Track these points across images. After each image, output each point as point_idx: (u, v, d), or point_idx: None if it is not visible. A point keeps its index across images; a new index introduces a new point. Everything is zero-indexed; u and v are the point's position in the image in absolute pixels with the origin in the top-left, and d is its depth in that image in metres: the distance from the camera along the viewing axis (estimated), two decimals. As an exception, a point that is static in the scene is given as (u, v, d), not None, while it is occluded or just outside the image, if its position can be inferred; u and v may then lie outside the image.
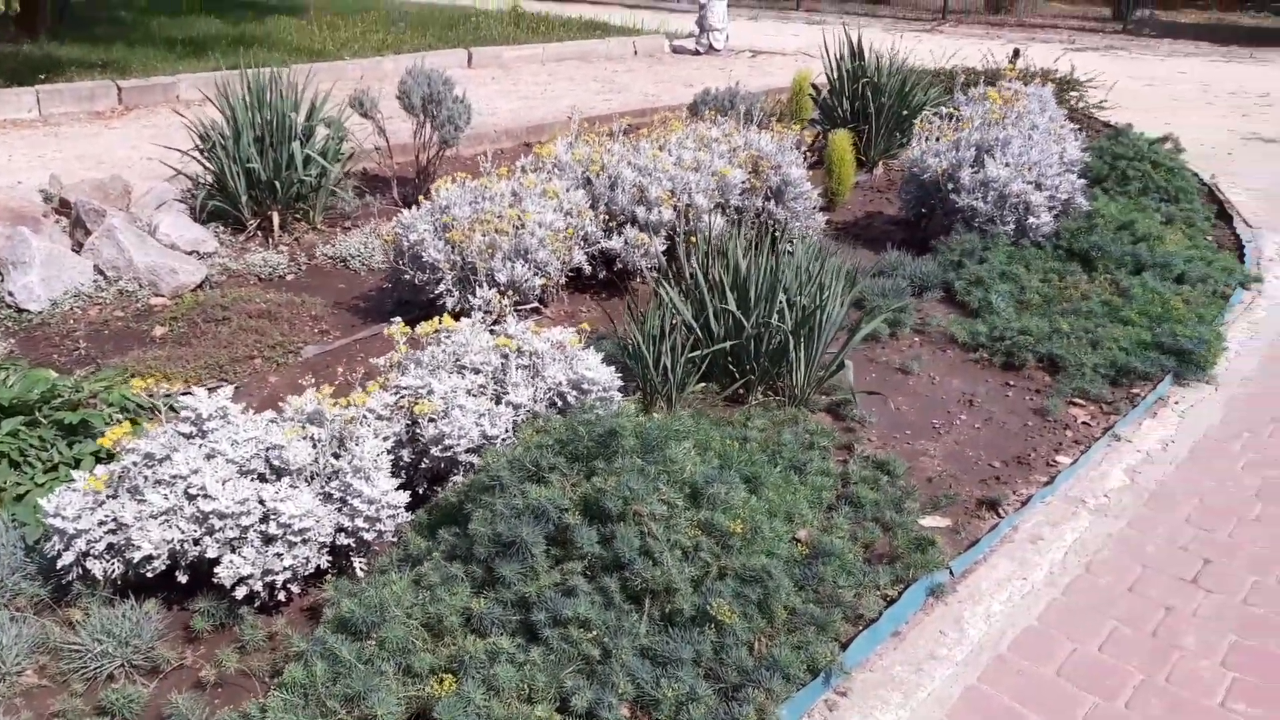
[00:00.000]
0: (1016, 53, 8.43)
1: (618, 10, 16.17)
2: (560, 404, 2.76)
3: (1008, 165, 4.58)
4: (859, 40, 6.51)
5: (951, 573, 2.49)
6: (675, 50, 11.81)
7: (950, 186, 4.66)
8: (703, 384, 3.38)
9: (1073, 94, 7.79)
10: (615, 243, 4.16)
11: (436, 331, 2.83)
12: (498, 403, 2.66)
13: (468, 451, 2.55)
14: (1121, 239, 4.58)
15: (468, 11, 13.30)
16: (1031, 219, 4.54)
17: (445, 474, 2.61)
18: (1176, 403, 3.42)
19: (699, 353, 3.30)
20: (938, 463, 3.06)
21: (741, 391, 3.37)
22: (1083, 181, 4.89)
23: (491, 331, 2.96)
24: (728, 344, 3.34)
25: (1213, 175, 6.26)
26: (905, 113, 6.29)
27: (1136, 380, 3.52)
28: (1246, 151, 7.29)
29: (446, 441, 2.51)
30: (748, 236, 3.44)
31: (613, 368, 2.92)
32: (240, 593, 2.25)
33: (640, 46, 11.56)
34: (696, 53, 11.56)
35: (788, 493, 2.62)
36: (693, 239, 4.25)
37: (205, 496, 2.26)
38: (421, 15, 12.92)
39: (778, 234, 4.69)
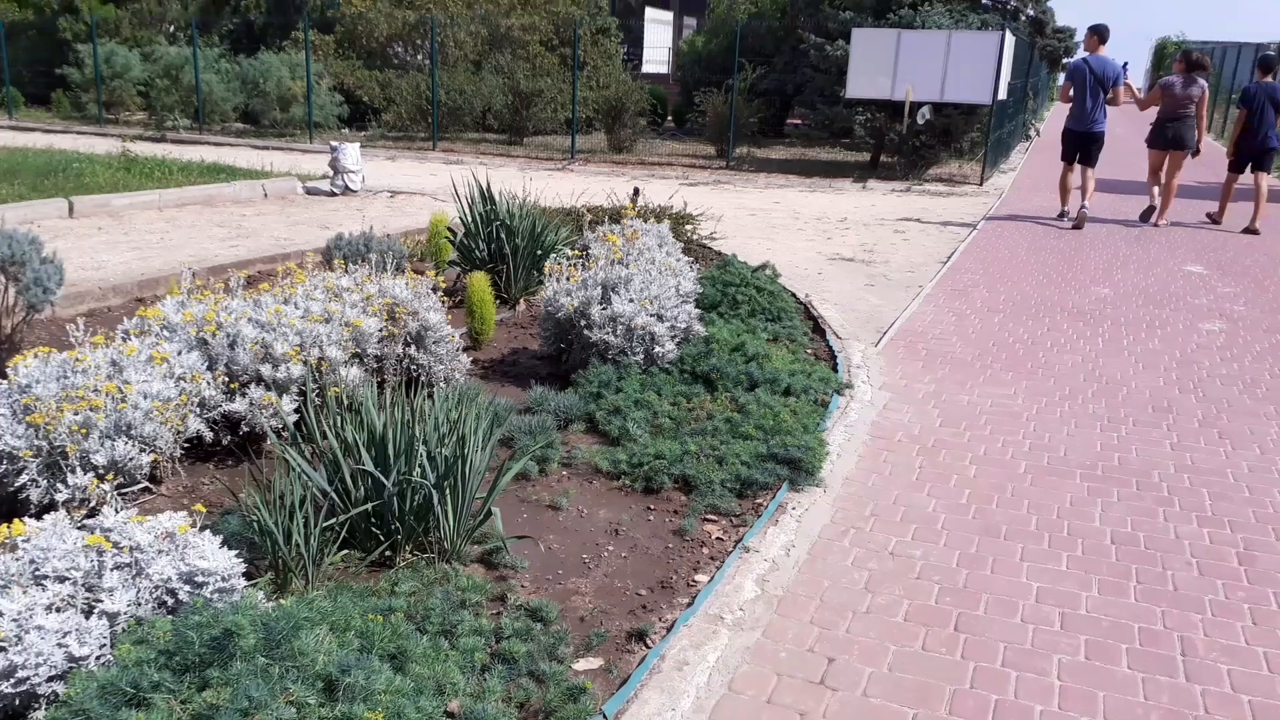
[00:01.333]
0: (637, 191, 9.18)
1: (245, 151, 15.65)
2: (171, 602, 2.46)
3: (632, 301, 4.91)
4: (488, 184, 6.76)
5: (605, 717, 2.48)
6: (310, 192, 11.58)
7: (583, 323, 4.90)
8: (344, 552, 3.18)
9: (687, 227, 8.60)
10: (239, 405, 3.87)
11: (6, 540, 2.42)
12: (89, 614, 2.31)
13: (50, 680, 2.17)
14: (736, 360, 5.04)
15: (70, 157, 12.19)
16: (658, 348, 4.88)
17: (23, 710, 2.20)
18: (794, 509, 3.75)
19: (336, 519, 3.11)
20: (589, 599, 3.09)
21: (389, 554, 3.22)
22: (698, 311, 5.35)
23: (83, 527, 2.60)
24: (369, 505, 3.19)
25: (807, 294, 7.13)
26: (540, 252, 6.58)
27: (759, 491, 3.83)
28: (832, 270, 8.42)
29: (20, 674, 2.12)
30: (390, 385, 3.36)
31: (236, 550, 2.66)
32: None
33: (271, 189, 11.20)
34: (332, 194, 11.41)
35: (437, 663, 2.50)
36: (329, 393, 4.06)
37: None
38: (12, 162, 11.64)
39: (422, 379, 4.64)
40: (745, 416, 4.42)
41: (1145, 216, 11.16)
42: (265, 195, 11.04)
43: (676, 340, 5.07)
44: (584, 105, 18.87)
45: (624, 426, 4.30)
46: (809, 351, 5.74)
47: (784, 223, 11.05)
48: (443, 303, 4.89)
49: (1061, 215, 11.26)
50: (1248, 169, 10.80)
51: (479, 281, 5.51)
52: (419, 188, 12.49)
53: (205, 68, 18.84)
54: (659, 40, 27.71)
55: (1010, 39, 14.49)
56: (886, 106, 14.99)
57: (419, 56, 19.75)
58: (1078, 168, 10.96)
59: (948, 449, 4.41)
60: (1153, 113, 11.02)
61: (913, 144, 15.22)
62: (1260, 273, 8.52)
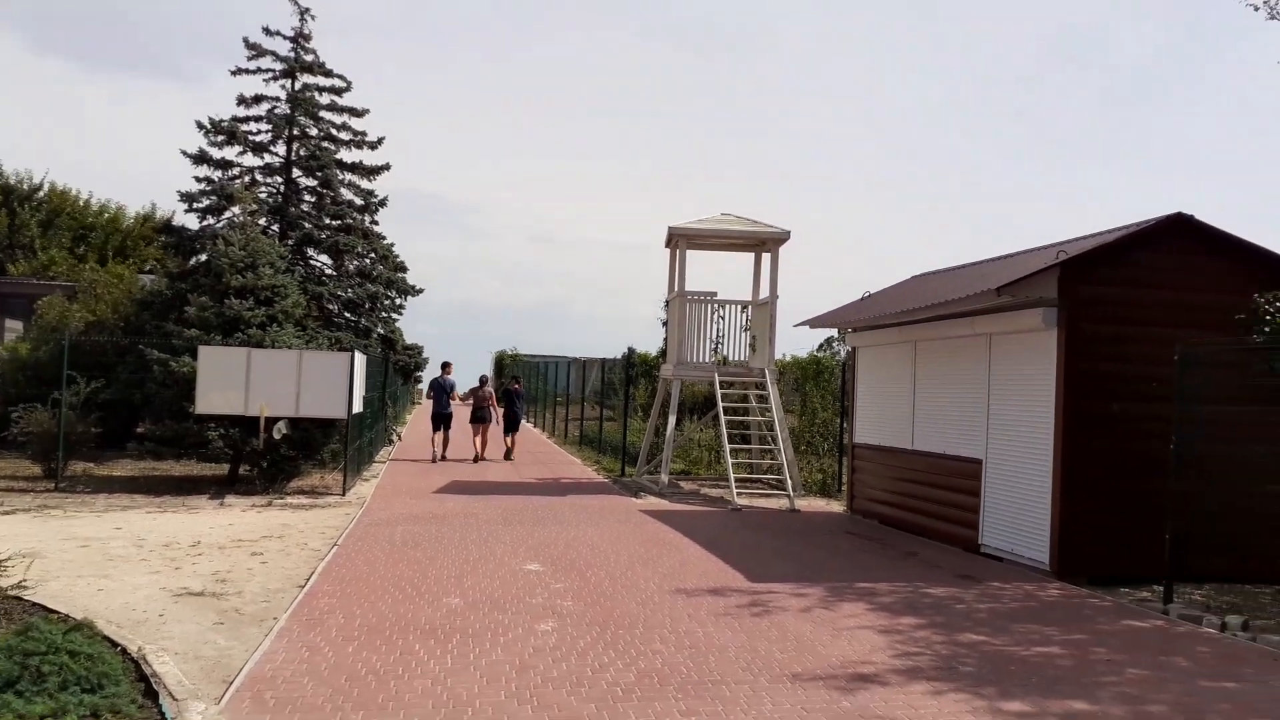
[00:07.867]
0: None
1: None
2: None
3: None
4: None
5: None
6: None
7: None
8: None
9: (-13, 579, 7.17)
10: None
11: None
12: None
13: None
14: (29, 761, 4.12)
15: None
16: (-94, 769, 3.78)
17: None
18: None
19: None
20: None
21: None
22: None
23: None
24: None
25: (140, 648, 6.27)
26: None
27: None
28: (178, 609, 7.60)
29: None
30: None
31: None
32: None
33: None
34: None
35: None
36: None
37: None
38: None
39: None
40: (32, 843, 3.56)
41: (475, 460, 21.29)
42: None
43: (-61, 751, 3.99)
44: None
45: None
46: (139, 724, 4.96)
47: (125, 553, 9.85)
48: None
49: (433, 458, 21.16)
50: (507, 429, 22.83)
51: None
52: None
53: None
54: (-28, 345, 24.11)
55: (361, 357, 15.51)
56: (242, 421, 14.71)
57: None
58: (440, 432, 21.40)
59: (292, 824, 4.02)
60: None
61: (272, 457, 15.03)
62: (584, 565, 9.80)
